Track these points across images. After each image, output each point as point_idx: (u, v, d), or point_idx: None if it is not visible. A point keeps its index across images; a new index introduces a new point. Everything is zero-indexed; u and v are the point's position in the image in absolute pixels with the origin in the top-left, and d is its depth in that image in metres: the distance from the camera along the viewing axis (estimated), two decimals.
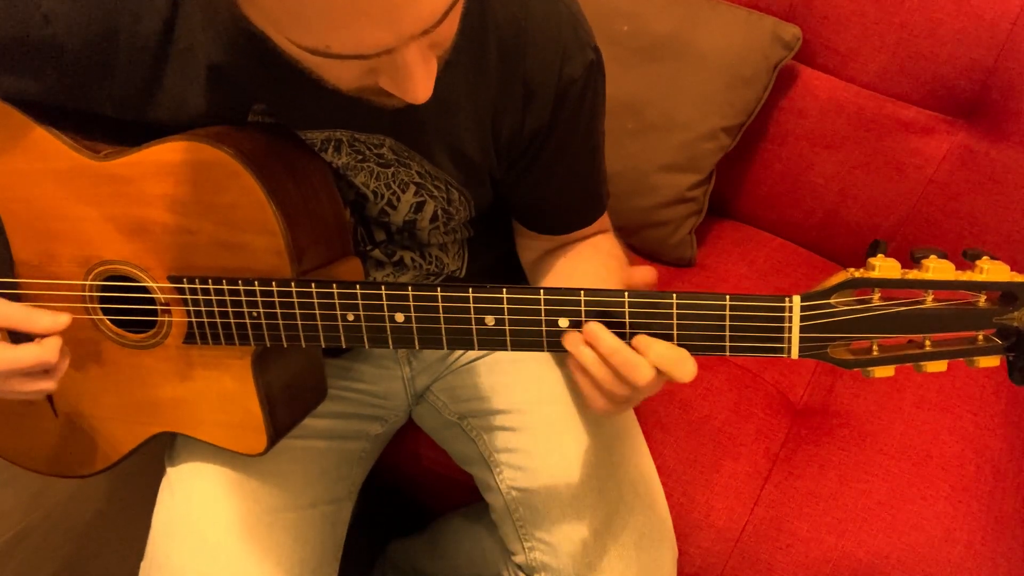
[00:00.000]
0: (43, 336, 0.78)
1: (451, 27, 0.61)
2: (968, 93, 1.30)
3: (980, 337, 0.70)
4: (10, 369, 0.76)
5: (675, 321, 0.72)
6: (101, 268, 0.82)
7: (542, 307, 0.73)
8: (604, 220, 1.01)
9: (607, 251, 0.98)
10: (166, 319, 0.82)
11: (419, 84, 0.61)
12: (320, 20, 0.54)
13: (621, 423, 1.02)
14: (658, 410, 1.18)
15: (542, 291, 0.72)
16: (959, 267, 0.68)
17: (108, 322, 0.85)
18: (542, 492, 0.96)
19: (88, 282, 0.83)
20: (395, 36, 0.57)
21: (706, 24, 1.35)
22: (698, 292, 0.71)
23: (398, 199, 0.87)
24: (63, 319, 0.78)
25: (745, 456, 1.14)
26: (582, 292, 0.72)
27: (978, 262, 0.67)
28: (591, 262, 0.96)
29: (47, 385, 0.79)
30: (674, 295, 0.71)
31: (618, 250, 0.99)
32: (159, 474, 0.95)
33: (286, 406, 0.86)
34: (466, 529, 1.20)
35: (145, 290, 0.82)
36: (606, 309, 0.72)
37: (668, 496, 1.01)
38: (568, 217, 0.96)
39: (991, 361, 0.70)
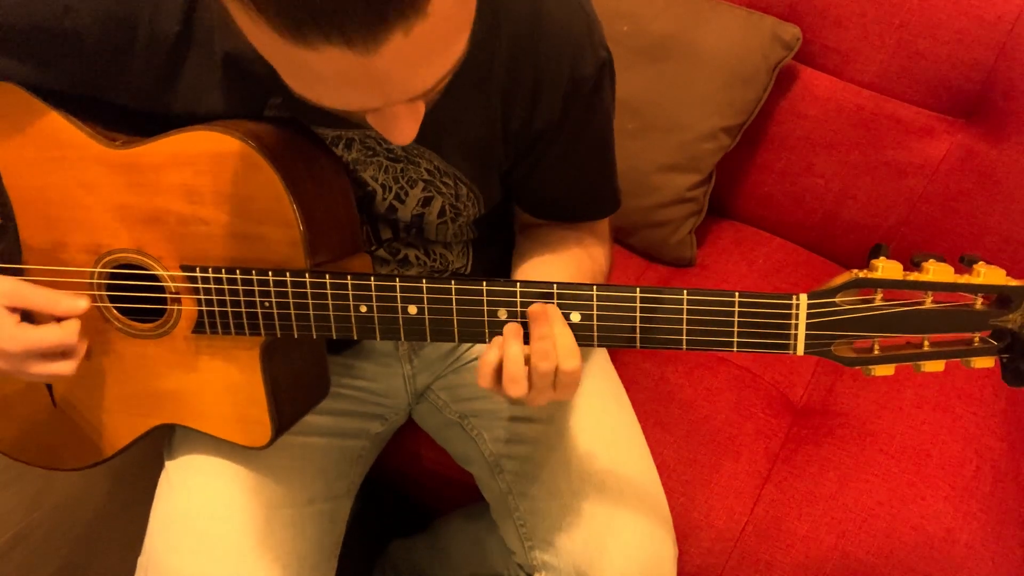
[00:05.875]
0: (62, 319, 0.79)
1: (443, 84, 0.62)
2: (968, 93, 1.31)
3: (976, 338, 0.73)
4: (30, 349, 0.77)
5: (685, 316, 0.73)
6: (111, 257, 0.82)
7: (555, 302, 0.74)
8: (604, 227, 1.00)
9: (589, 259, 0.95)
10: (175, 308, 0.82)
11: (403, 131, 0.63)
12: (309, 81, 0.56)
13: (621, 422, 1.02)
14: (658, 410, 1.18)
15: (555, 286, 0.73)
16: (957, 271, 0.70)
17: (115, 311, 0.84)
18: (542, 491, 0.96)
19: (96, 270, 0.83)
20: (383, 101, 0.58)
21: (706, 24, 1.35)
22: (707, 289, 0.73)
23: (406, 194, 0.88)
24: (83, 303, 0.80)
25: (745, 456, 1.14)
26: (594, 288, 0.73)
27: (975, 266, 0.70)
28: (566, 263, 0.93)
29: (64, 368, 0.80)
30: (684, 291, 0.73)
31: (600, 262, 0.96)
32: (159, 474, 0.94)
33: (291, 400, 0.86)
34: (466, 529, 1.20)
35: (154, 279, 0.82)
36: (617, 304, 0.73)
37: (668, 496, 1.01)
38: (577, 209, 0.96)
39: (986, 362, 0.73)
